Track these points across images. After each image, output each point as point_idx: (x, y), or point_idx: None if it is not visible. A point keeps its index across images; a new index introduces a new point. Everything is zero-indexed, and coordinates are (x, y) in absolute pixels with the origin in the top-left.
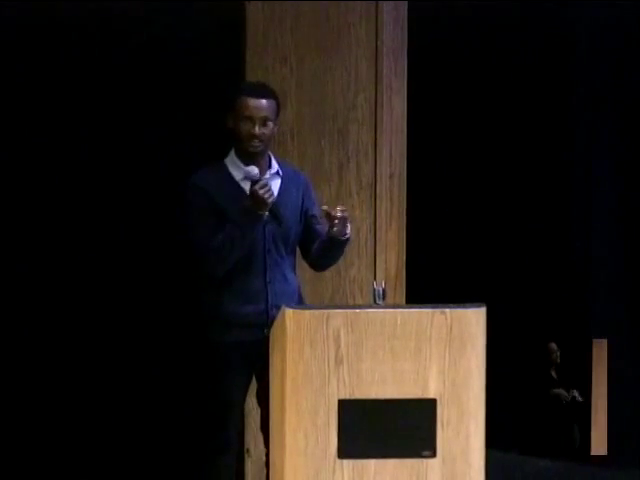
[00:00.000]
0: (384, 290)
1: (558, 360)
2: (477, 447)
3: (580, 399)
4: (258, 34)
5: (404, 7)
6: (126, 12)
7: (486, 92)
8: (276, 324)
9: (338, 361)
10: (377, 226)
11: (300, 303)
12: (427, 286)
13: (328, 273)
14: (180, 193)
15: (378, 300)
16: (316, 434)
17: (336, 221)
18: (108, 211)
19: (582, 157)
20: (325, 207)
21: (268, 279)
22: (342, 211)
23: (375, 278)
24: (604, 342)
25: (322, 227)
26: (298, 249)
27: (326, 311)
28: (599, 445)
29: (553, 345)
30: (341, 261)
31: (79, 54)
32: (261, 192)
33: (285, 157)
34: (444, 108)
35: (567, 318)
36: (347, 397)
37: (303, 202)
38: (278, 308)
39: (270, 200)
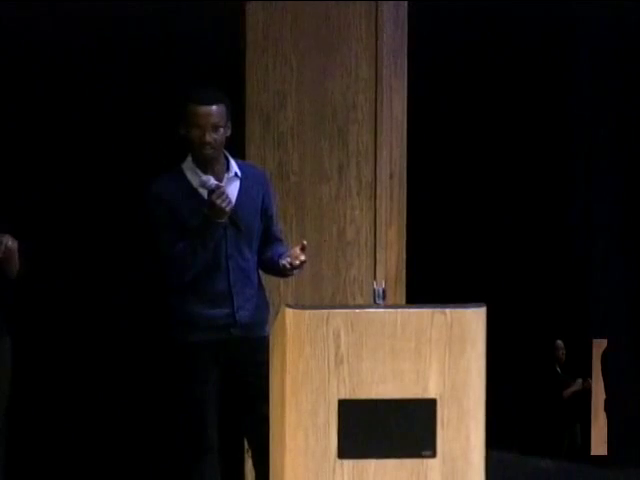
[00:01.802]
0: (384, 290)
1: (564, 358)
2: (477, 447)
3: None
4: (258, 34)
5: (404, 7)
6: (126, 12)
7: (486, 92)
8: (276, 324)
9: (338, 361)
10: (377, 226)
11: (262, 302)
12: (427, 286)
13: (328, 273)
14: (141, 200)
15: (378, 300)
16: (316, 434)
17: (295, 269)
18: (114, 212)
19: (582, 157)
20: (285, 261)
21: (232, 282)
22: (301, 261)
23: (375, 278)
24: (604, 342)
25: (280, 234)
26: None
27: (326, 311)
28: (599, 445)
29: (559, 342)
30: (341, 261)
31: (79, 54)
32: (218, 202)
33: (285, 157)
34: (444, 108)
35: (567, 318)
36: (347, 397)
37: (263, 201)
38: (243, 309)
39: (228, 208)
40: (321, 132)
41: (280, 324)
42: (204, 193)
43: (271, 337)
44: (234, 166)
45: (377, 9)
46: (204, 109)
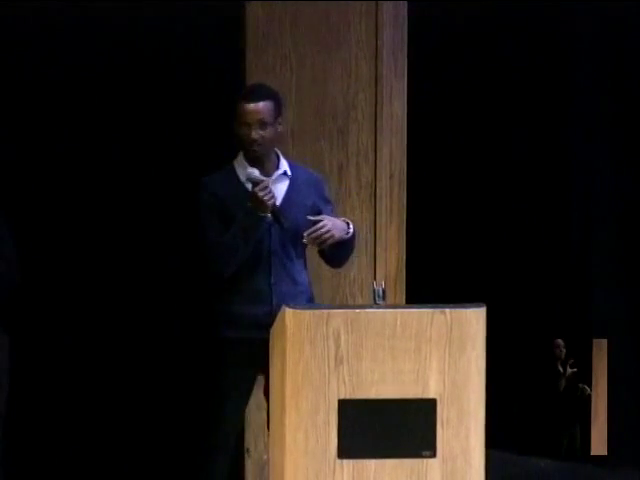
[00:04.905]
0: (384, 290)
1: (563, 356)
2: (477, 447)
3: (588, 391)
4: (258, 34)
5: (404, 7)
6: (126, 12)
7: (486, 92)
8: (276, 324)
9: (338, 361)
10: (377, 226)
11: (305, 300)
12: (427, 286)
13: (328, 273)
14: (193, 195)
15: (378, 300)
16: (316, 434)
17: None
18: (115, 211)
19: (582, 157)
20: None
21: (273, 280)
22: (309, 234)
23: (375, 278)
24: (604, 342)
25: None
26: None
27: (326, 311)
28: (599, 445)
29: (559, 341)
30: None
31: (78, 55)
32: (261, 194)
33: (285, 157)
34: (444, 108)
35: (567, 318)
36: (347, 397)
37: (314, 203)
38: None
39: (270, 202)
40: (321, 132)
41: (280, 324)
42: (250, 187)
43: (271, 337)
44: (284, 165)
45: (377, 9)
46: (250, 106)
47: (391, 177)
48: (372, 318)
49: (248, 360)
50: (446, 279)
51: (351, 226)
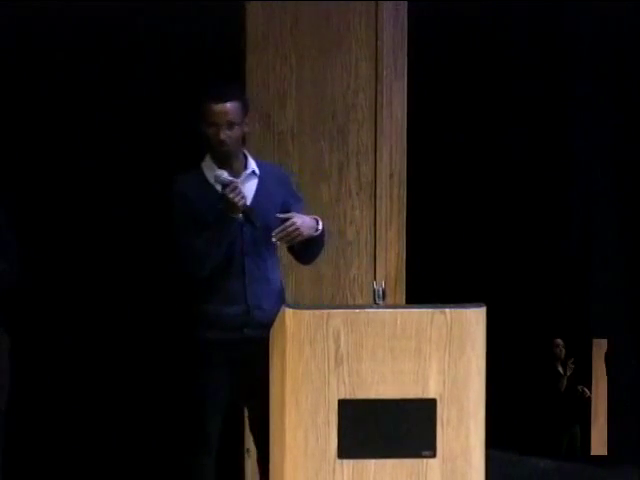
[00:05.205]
0: (384, 290)
1: (563, 356)
2: (477, 447)
3: (588, 393)
4: (258, 34)
5: (404, 7)
6: (126, 12)
7: (486, 92)
8: (276, 324)
9: (338, 361)
10: (377, 226)
11: (282, 303)
12: (427, 286)
13: (328, 273)
14: (164, 198)
15: (378, 300)
16: (316, 434)
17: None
18: (114, 211)
19: (582, 157)
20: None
21: (247, 281)
22: (277, 232)
23: (375, 278)
24: (604, 342)
25: None
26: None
27: (326, 311)
28: (599, 445)
29: (558, 340)
30: (341, 261)
31: (78, 54)
32: (231, 196)
33: (285, 157)
34: (444, 108)
35: (567, 319)
36: (347, 397)
37: (284, 200)
38: (259, 309)
39: (241, 203)
40: (321, 132)
41: (280, 324)
42: (219, 188)
43: (271, 337)
44: (252, 164)
45: (377, 9)
46: (219, 107)
47: (391, 177)
48: (372, 318)
49: (225, 360)
50: (446, 279)
51: (320, 223)
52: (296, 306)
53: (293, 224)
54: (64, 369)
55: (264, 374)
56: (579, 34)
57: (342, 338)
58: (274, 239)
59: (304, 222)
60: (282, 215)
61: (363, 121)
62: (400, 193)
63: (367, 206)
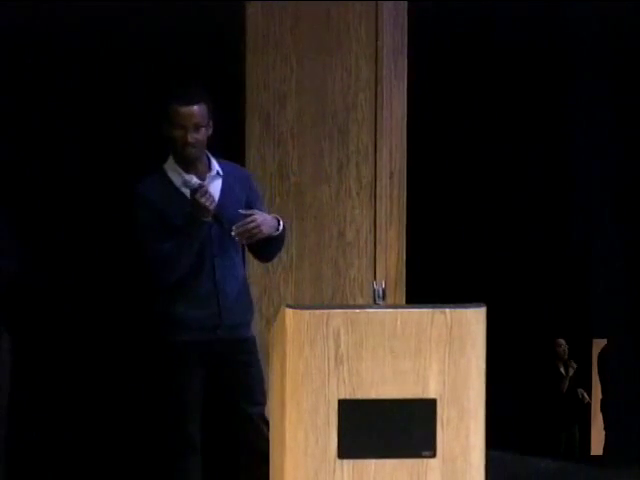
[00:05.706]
0: (384, 290)
1: (565, 355)
2: (477, 447)
3: (587, 399)
4: (258, 34)
5: (404, 7)
6: (126, 13)
7: (486, 92)
8: (276, 324)
9: (338, 361)
10: (377, 226)
11: (249, 301)
12: (427, 286)
13: (328, 273)
14: (127, 201)
15: (378, 300)
16: (316, 434)
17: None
18: (114, 211)
19: (582, 156)
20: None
21: (218, 282)
22: (237, 227)
23: (375, 278)
24: (604, 342)
25: None
26: None
27: (326, 311)
28: (597, 445)
29: (561, 340)
30: (341, 261)
31: (78, 54)
32: (202, 200)
33: (285, 157)
34: (444, 108)
35: (567, 319)
36: (347, 397)
37: (247, 198)
38: (230, 311)
39: (212, 207)
40: (321, 132)
41: (280, 324)
42: (187, 192)
43: (271, 337)
44: (216, 165)
45: (377, 9)
46: (186, 109)
47: (391, 177)
48: (372, 318)
49: (198, 361)
50: (446, 279)
51: (281, 223)
52: (296, 306)
53: (254, 220)
54: (56, 369)
55: (240, 374)
56: (579, 34)
57: (342, 338)
58: (233, 233)
59: (265, 220)
60: (244, 211)
61: (363, 121)
62: (400, 193)
63: (367, 206)
